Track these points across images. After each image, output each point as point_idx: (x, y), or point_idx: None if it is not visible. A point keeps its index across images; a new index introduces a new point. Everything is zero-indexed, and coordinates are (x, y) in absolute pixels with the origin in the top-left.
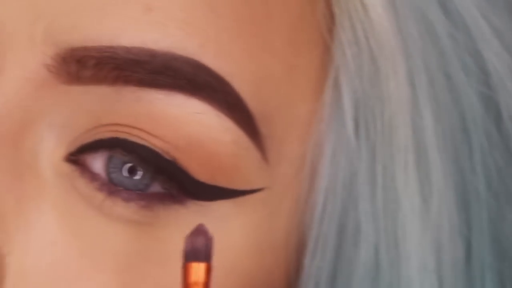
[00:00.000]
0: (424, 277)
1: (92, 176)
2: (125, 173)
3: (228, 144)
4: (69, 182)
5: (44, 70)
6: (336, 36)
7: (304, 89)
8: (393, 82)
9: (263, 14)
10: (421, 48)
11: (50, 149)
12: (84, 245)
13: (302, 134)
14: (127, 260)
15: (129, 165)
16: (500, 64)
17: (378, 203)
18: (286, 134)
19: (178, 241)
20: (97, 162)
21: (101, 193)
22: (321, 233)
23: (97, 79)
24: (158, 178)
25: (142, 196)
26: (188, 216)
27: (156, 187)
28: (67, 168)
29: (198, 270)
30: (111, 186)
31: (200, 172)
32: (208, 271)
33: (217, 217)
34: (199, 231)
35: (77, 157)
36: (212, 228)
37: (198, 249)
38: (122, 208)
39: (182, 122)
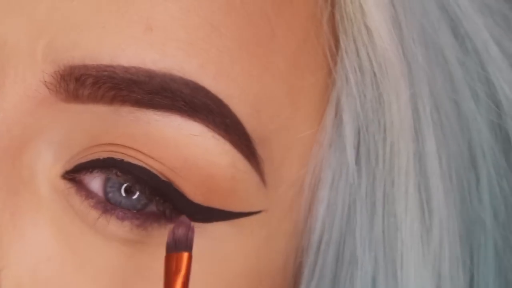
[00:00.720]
0: None
1: (87, 194)
2: (122, 192)
3: (225, 167)
4: (65, 199)
5: (43, 88)
6: (340, 59)
7: (305, 112)
8: (395, 108)
9: (266, 34)
10: (426, 73)
11: (47, 166)
12: (79, 262)
13: (302, 158)
14: (121, 277)
15: (126, 184)
16: (511, 91)
17: (377, 231)
18: (285, 157)
19: None
20: (95, 181)
21: (95, 211)
22: (318, 259)
23: (95, 98)
24: (154, 198)
25: (136, 215)
26: None
27: (153, 207)
28: (63, 185)
29: (178, 259)
30: (106, 205)
31: (195, 194)
32: (188, 260)
33: (213, 238)
34: (181, 222)
35: (73, 175)
36: (209, 249)
37: (179, 238)
38: (116, 226)
39: (178, 144)
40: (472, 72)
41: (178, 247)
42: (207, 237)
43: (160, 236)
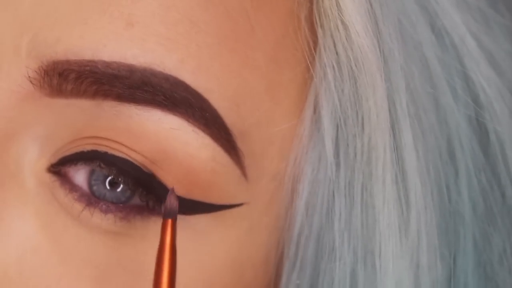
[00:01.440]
0: None
1: (71, 187)
2: (107, 185)
3: (205, 160)
4: (50, 192)
5: (27, 83)
6: (318, 55)
7: (285, 106)
8: (372, 102)
9: (246, 30)
10: (403, 68)
11: (34, 159)
12: (64, 253)
13: (282, 151)
14: (105, 269)
15: (111, 177)
16: (489, 86)
17: (355, 223)
18: (266, 150)
19: (153, 254)
20: (80, 174)
21: (79, 204)
22: (299, 251)
23: (77, 93)
24: (137, 190)
25: (120, 208)
26: None
27: (136, 199)
28: (49, 178)
29: (171, 226)
30: (90, 198)
31: (177, 187)
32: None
33: (196, 231)
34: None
35: (58, 168)
36: (192, 242)
37: (171, 209)
38: (100, 219)
39: (159, 137)
40: (450, 67)
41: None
42: (190, 230)
43: (143, 229)
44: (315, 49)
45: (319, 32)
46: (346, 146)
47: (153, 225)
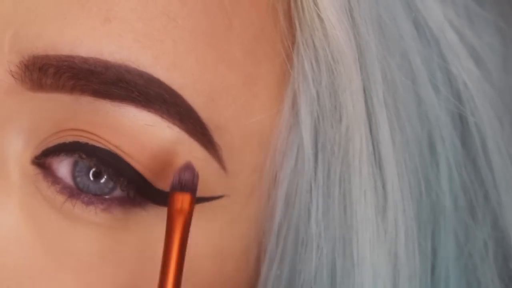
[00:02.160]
0: (377, 286)
1: (54, 179)
2: (90, 177)
3: (182, 155)
4: (33, 184)
5: (9, 77)
6: (296, 47)
7: (264, 98)
8: (348, 94)
9: (223, 24)
10: (380, 61)
11: (18, 152)
12: (48, 245)
13: (262, 144)
14: (87, 260)
15: (94, 169)
16: (470, 80)
17: (333, 213)
18: (245, 143)
19: (137, 243)
20: (63, 166)
21: (61, 196)
22: (279, 242)
23: (57, 87)
24: (118, 180)
25: (101, 199)
26: (148, 220)
27: (119, 191)
28: (32, 171)
29: (183, 199)
30: (72, 190)
31: (156, 180)
32: (192, 202)
33: None
34: (187, 167)
35: (42, 160)
36: None
37: (185, 181)
38: (82, 210)
39: (135, 133)
40: (431, 61)
41: (183, 188)
42: None
43: (124, 220)
44: (293, 42)
45: (297, 25)
46: (324, 137)
47: (134, 216)
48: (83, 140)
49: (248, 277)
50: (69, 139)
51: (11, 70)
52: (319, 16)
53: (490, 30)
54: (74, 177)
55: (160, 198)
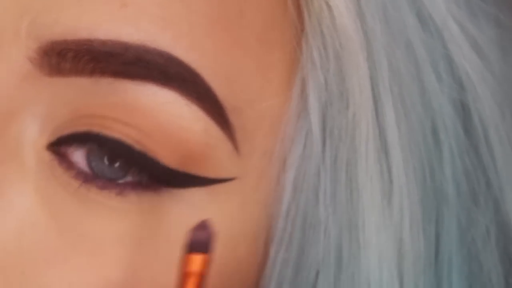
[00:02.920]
0: (383, 269)
1: (69, 165)
2: (105, 161)
3: (198, 132)
4: (49, 169)
5: (28, 63)
6: (305, 35)
7: (275, 84)
8: (355, 80)
9: (236, 12)
10: (385, 48)
11: (34, 138)
12: (62, 228)
13: (273, 128)
14: (102, 243)
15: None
16: (472, 69)
17: (340, 197)
18: (257, 127)
19: (152, 226)
20: (78, 152)
21: (76, 181)
22: (287, 227)
23: (76, 71)
24: (130, 170)
25: (115, 184)
26: (162, 203)
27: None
28: (48, 156)
29: (195, 261)
30: (87, 175)
31: (171, 159)
32: (206, 263)
33: (190, 205)
34: (203, 226)
35: (57, 147)
36: (186, 215)
37: (198, 241)
38: (96, 194)
39: (153, 111)
40: (434, 50)
41: (197, 248)
42: (184, 204)
43: (139, 204)
44: (302, 29)
45: (305, 13)
46: (332, 123)
47: (149, 200)
48: (95, 129)
49: (258, 260)
50: (82, 128)
51: (29, 56)
52: (327, 4)
53: (490, 24)
54: (89, 162)
55: (173, 179)
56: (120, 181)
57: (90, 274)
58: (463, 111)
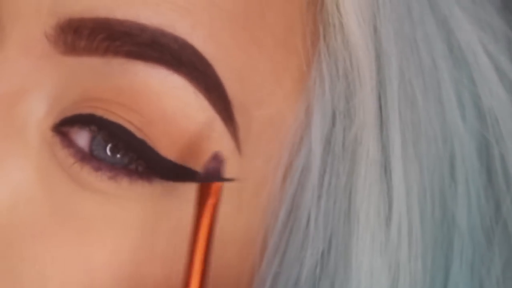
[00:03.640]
0: None
1: (69, 143)
2: (108, 151)
3: (201, 124)
4: (51, 149)
5: (44, 40)
6: (318, 48)
7: (287, 90)
8: (361, 98)
9: (257, 12)
10: (401, 73)
11: (40, 117)
12: (55, 206)
13: (279, 135)
14: (90, 223)
15: (111, 144)
16: (498, 106)
17: (335, 216)
18: (264, 131)
19: (139, 214)
20: (82, 137)
21: (72, 158)
22: (282, 241)
23: (90, 49)
24: (128, 154)
25: (110, 167)
26: (153, 193)
27: (133, 167)
28: (51, 137)
29: (214, 188)
30: (85, 155)
31: (169, 150)
32: (221, 191)
33: (183, 199)
34: (215, 156)
35: (60, 129)
36: (177, 210)
37: (212, 171)
38: (89, 175)
39: (161, 95)
40: (459, 82)
41: (211, 177)
42: (177, 198)
43: (130, 191)
44: (317, 42)
45: (320, 28)
46: (334, 140)
47: (140, 188)
48: (99, 112)
49: (252, 267)
50: (86, 110)
51: (46, 32)
52: (340, 21)
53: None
54: (91, 150)
55: (170, 171)
56: (116, 166)
57: (74, 252)
58: (486, 150)
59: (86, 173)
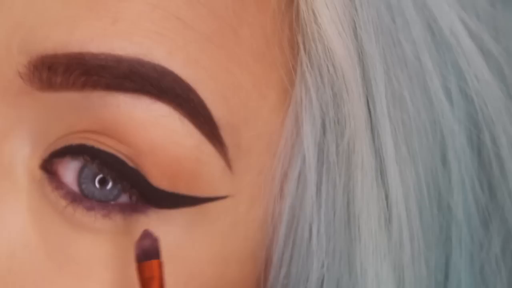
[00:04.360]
0: None
1: (58, 184)
2: (96, 184)
3: (190, 148)
4: (40, 189)
5: (18, 78)
6: (300, 59)
7: (272, 103)
8: (350, 106)
9: (232, 29)
10: (385, 72)
11: (27, 156)
12: (51, 249)
13: (270, 147)
14: (88, 266)
15: (100, 176)
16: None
17: (336, 225)
18: (253, 145)
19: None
20: (69, 172)
21: (64, 201)
22: (286, 252)
23: (67, 85)
24: (122, 183)
25: (102, 205)
26: (149, 224)
27: (124, 198)
28: (40, 175)
29: (150, 267)
30: (75, 195)
31: (161, 180)
32: (160, 266)
33: (179, 225)
34: (145, 235)
35: (50, 165)
36: (174, 236)
37: (147, 250)
38: (83, 215)
39: (146, 125)
40: (444, 69)
41: (148, 256)
42: (173, 225)
43: (124, 226)
44: (298, 52)
45: (299, 39)
46: (327, 149)
47: (135, 222)
48: (89, 143)
49: (256, 280)
50: (76, 141)
51: (19, 71)
52: (318, 28)
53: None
54: (79, 184)
55: (163, 200)
56: (109, 203)
57: None
58: (477, 136)
59: (80, 215)
